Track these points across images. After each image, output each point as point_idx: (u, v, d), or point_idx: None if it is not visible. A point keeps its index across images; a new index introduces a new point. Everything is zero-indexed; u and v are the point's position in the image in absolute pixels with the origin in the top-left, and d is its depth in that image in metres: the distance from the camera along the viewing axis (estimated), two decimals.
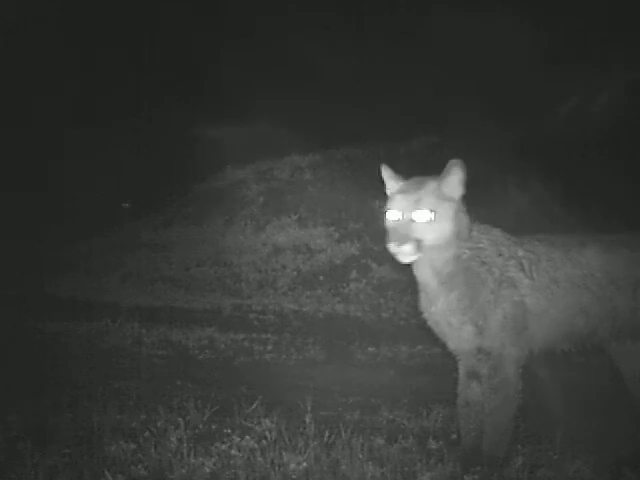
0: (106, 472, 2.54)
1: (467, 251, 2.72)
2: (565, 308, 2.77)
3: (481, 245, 2.74)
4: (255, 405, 3.32)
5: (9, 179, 10.13)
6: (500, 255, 2.74)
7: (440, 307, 2.75)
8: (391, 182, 2.77)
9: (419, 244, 2.61)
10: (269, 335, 5.69)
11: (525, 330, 2.73)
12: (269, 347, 5.28)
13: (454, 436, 3.11)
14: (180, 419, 3.08)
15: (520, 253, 2.76)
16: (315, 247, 8.64)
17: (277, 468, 2.64)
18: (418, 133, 10.06)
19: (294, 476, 2.63)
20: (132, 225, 10.25)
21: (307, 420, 3.05)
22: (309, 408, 3.13)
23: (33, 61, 11.60)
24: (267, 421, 3.11)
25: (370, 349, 5.33)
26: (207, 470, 2.65)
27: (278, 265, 8.36)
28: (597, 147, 8.85)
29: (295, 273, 8.14)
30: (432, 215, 2.60)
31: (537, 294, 2.74)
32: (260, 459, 2.71)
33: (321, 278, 7.96)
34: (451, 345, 2.83)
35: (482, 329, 2.70)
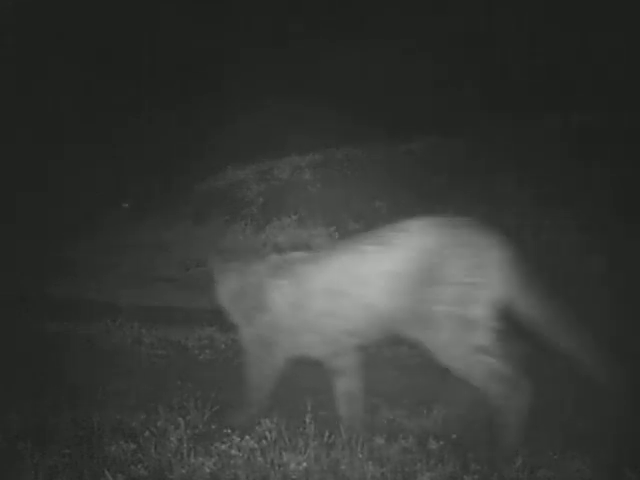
0: (106, 472, 2.55)
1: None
2: (336, 309, 3.15)
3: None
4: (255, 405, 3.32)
5: (9, 179, 10.12)
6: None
7: None
8: None
9: None
10: None
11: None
12: None
13: (454, 436, 3.11)
14: (180, 419, 3.08)
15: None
16: (315, 247, 8.61)
17: (277, 468, 2.65)
18: (418, 133, 10.04)
19: (294, 476, 2.64)
20: (132, 225, 10.23)
21: (307, 420, 3.05)
22: (309, 408, 3.13)
23: (33, 59, 11.59)
24: (267, 421, 3.11)
25: (370, 349, 5.31)
26: (207, 470, 2.65)
27: None
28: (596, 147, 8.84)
29: None
30: None
31: (302, 300, 3.20)
32: (260, 459, 2.71)
33: None
34: None
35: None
